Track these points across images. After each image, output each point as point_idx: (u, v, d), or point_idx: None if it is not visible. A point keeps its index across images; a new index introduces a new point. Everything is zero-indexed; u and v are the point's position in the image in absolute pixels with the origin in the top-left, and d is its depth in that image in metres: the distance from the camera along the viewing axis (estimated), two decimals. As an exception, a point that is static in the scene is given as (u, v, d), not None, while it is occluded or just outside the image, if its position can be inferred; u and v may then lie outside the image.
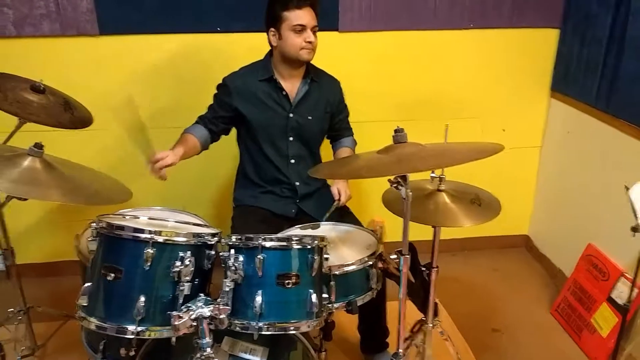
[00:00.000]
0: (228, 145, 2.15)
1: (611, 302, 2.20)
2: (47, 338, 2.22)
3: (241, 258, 1.37)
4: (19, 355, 2.01)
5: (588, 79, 2.39)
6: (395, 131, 1.36)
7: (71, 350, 2.20)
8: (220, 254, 1.41)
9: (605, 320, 2.19)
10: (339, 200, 2.01)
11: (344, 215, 2.05)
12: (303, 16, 1.85)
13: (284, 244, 1.39)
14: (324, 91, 2.06)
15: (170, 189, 2.34)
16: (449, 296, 2.57)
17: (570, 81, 2.56)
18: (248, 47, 2.39)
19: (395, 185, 1.32)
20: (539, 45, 2.67)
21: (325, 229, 1.89)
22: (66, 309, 2.32)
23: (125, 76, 2.51)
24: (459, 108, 2.75)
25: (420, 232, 1.59)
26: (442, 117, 2.75)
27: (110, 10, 2.39)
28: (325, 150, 2.22)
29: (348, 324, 2.18)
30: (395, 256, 1.45)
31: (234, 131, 2.12)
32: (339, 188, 2.01)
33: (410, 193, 1.31)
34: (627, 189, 1.58)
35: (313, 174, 1.53)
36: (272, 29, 1.90)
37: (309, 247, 1.40)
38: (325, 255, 1.50)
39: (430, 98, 2.72)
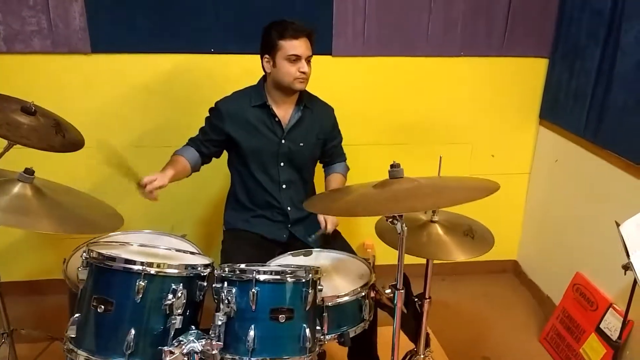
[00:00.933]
0: (218, 164, 2.14)
1: (600, 333, 2.21)
2: (29, 362, 2.17)
3: (234, 291, 1.35)
4: (0, 380, 1.95)
5: (576, 109, 2.43)
6: (392, 166, 1.36)
7: (54, 375, 2.14)
8: (213, 285, 1.39)
9: (594, 351, 2.20)
10: (325, 228, 2.00)
11: (335, 239, 2.04)
12: (298, 46, 1.86)
13: (278, 277, 1.37)
14: (317, 118, 2.07)
15: (160, 208, 2.31)
16: (438, 322, 2.56)
17: (559, 110, 2.60)
18: (241, 68, 2.40)
19: (390, 220, 1.31)
20: (528, 74, 2.71)
21: (318, 256, 1.88)
22: (50, 330, 2.27)
23: (116, 95, 2.49)
24: (449, 133, 2.78)
25: (411, 256, 1.58)
26: (433, 141, 2.78)
27: (103, 28, 2.38)
28: (318, 175, 2.23)
29: (339, 351, 2.16)
30: (389, 290, 1.44)
31: (225, 152, 2.11)
32: (325, 217, 2.00)
33: (406, 229, 1.31)
34: (618, 225, 1.60)
35: (307, 208, 1.52)
36: (267, 56, 1.90)
37: (303, 280, 1.39)
38: (319, 287, 1.49)
39: (422, 123, 2.74)
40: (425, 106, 2.72)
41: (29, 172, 1.35)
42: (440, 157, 1.62)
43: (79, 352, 1.32)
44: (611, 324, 2.18)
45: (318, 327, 1.48)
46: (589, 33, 2.34)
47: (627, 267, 1.40)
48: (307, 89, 2.01)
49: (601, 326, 2.22)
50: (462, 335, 2.57)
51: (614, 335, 2.14)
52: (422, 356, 1.86)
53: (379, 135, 2.73)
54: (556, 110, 2.63)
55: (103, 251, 1.35)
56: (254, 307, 1.34)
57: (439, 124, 2.76)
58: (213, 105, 2.02)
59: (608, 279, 2.25)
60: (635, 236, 1.49)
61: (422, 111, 2.73)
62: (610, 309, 2.20)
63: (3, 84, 2.37)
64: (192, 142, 2.03)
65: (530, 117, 2.80)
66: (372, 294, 1.69)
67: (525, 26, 2.60)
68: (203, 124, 2.06)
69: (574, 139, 2.49)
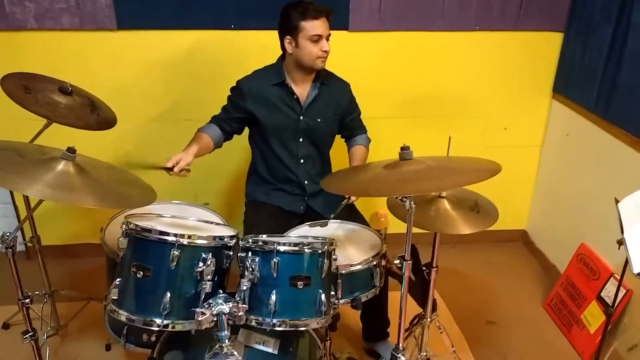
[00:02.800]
0: (240, 139, 2.25)
1: (600, 300, 2.33)
2: (69, 319, 2.38)
3: (257, 260, 1.49)
4: (44, 334, 2.16)
5: (588, 85, 2.47)
6: (402, 149, 1.47)
7: (91, 331, 2.35)
8: (239, 255, 1.54)
9: (594, 317, 2.33)
10: (349, 198, 2.11)
11: (351, 213, 2.16)
12: (320, 26, 1.93)
13: (297, 248, 1.51)
14: (334, 94, 2.16)
15: (183, 179, 2.45)
16: (446, 288, 2.71)
17: (571, 85, 2.65)
18: (261, 44, 2.46)
19: (399, 198, 1.43)
20: (543, 48, 2.75)
21: (333, 227, 2.01)
22: (87, 291, 2.47)
23: (140, 70, 2.60)
24: (463, 107, 2.85)
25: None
26: (447, 115, 2.85)
27: (128, 6, 2.47)
28: (335, 150, 2.33)
29: (352, 313, 2.32)
30: (398, 261, 1.57)
31: (246, 129, 2.22)
32: None
33: (414, 206, 1.43)
34: (617, 201, 1.69)
35: (324, 187, 1.64)
36: (288, 37, 1.97)
37: (319, 251, 1.53)
38: (333, 257, 1.62)
39: (436, 96, 2.81)
40: (440, 80, 2.78)
41: (72, 150, 1.48)
42: (450, 137, 1.71)
43: (121, 312, 1.49)
44: (611, 292, 2.30)
45: (333, 293, 1.62)
46: (602, 10, 2.36)
47: (621, 242, 1.50)
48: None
49: (602, 294, 2.34)
50: (469, 300, 2.72)
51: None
52: (428, 320, 2.01)
53: (394, 109, 2.81)
54: (569, 85, 2.68)
55: (140, 223, 1.49)
56: (275, 275, 1.48)
57: (453, 97, 2.82)
58: (234, 84, 2.12)
59: (611, 250, 2.35)
60: (631, 213, 1.59)
61: (436, 85, 2.79)
62: (612, 278, 2.31)
63: (34, 59, 2.51)
64: (215, 119, 2.14)
65: (543, 91, 2.85)
66: (383, 263, 1.82)
67: (540, 1, 2.62)
68: (222, 98, 2.15)
69: (585, 114, 2.54)
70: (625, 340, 2.20)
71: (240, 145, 2.32)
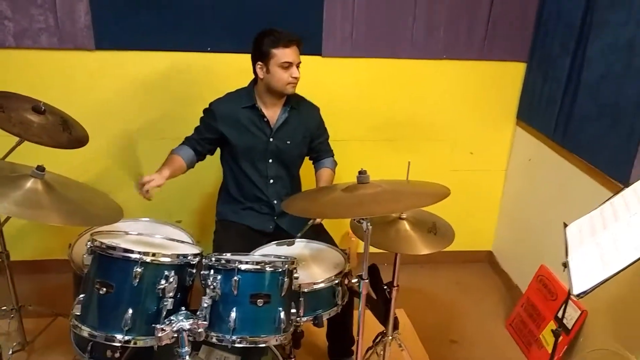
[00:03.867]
0: (214, 158, 2.31)
1: (557, 320, 2.42)
2: (36, 334, 2.38)
3: (219, 278, 1.54)
4: (10, 350, 2.16)
5: (548, 113, 2.60)
6: (360, 173, 1.55)
7: (58, 347, 2.35)
8: (201, 272, 1.59)
9: (551, 337, 2.41)
10: (315, 219, 2.18)
11: (318, 232, 2.23)
12: (290, 54, 2.02)
13: (258, 267, 1.57)
14: (303, 118, 2.24)
15: (158, 196, 2.50)
16: (413, 307, 2.78)
17: (533, 113, 2.78)
18: (236, 67, 2.53)
19: (357, 220, 1.50)
20: (507, 77, 2.88)
21: (300, 246, 2.07)
22: (55, 307, 2.47)
23: (117, 89, 2.66)
24: (431, 130, 2.95)
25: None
26: (416, 138, 2.96)
27: (106, 26, 2.53)
28: (306, 170, 2.40)
29: (318, 331, 2.37)
30: (356, 280, 1.63)
31: (218, 149, 2.28)
32: None
33: (370, 227, 1.50)
34: (565, 225, 1.78)
35: (285, 209, 1.71)
36: (260, 63, 2.06)
37: (280, 270, 1.59)
38: (295, 275, 1.68)
39: (406, 121, 2.92)
40: (409, 105, 2.89)
41: (41, 169, 1.53)
42: (409, 163, 1.79)
43: (83, 327, 1.52)
44: (568, 313, 2.38)
45: (294, 310, 1.67)
46: (561, 43, 2.50)
47: (565, 265, 1.58)
48: (298, 87, 2.16)
49: (559, 315, 2.42)
50: (434, 319, 2.78)
51: (570, 324, 2.35)
52: (390, 337, 2.07)
53: (366, 131, 2.90)
54: (531, 113, 2.81)
55: (105, 240, 1.54)
56: (235, 292, 1.53)
57: (422, 122, 2.93)
58: (207, 106, 2.19)
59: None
60: (576, 238, 1.68)
61: (406, 110, 2.90)
62: (568, 299, 2.39)
63: (12, 77, 2.55)
64: (187, 141, 2.20)
65: (508, 117, 2.97)
66: (347, 282, 1.88)
67: (505, 32, 2.75)
68: (197, 117, 2.22)
69: (546, 140, 2.66)
70: (580, 360, 2.29)
71: (214, 165, 2.37)
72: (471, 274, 3.21)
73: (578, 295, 1.44)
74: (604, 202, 1.71)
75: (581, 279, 1.45)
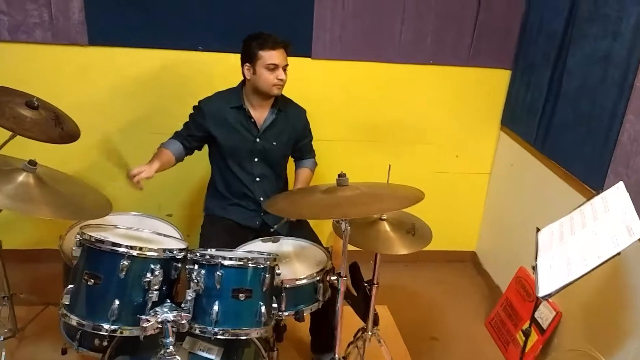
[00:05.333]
0: (204, 152, 2.37)
1: (534, 320, 2.50)
2: (27, 322, 2.43)
3: (203, 272, 1.61)
4: (1, 337, 2.22)
5: (530, 120, 2.67)
6: (339, 175, 1.61)
7: (48, 335, 2.41)
8: (186, 267, 1.65)
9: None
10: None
11: (302, 228, 2.29)
12: (277, 56, 2.08)
13: (241, 263, 1.63)
14: (290, 120, 2.30)
15: (148, 190, 2.55)
16: (396, 304, 2.86)
17: (516, 119, 2.85)
18: (225, 66, 2.60)
19: (336, 220, 1.57)
20: (492, 84, 2.95)
21: (284, 243, 2.13)
22: (46, 296, 2.53)
23: (109, 84, 2.71)
24: (417, 134, 3.02)
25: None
26: (402, 141, 3.03)
27: (99, 23, 2.58)
28: (291, 167, 2.47)
29: (302, 326, 2.44)
30: (335, 277, 1.70)
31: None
32: None
33: (349, 228, 1.57)
34: (538, 230, 1.86)
35: (267, 209, 1.77)
36: (247, 64, 2.12)
37: (262, 266, 1.65)
38: (277, 271, 1.75)
39: (392, 123, 2.98)
40: (396, 108, 2.96)
41: (33, 163, 1.59)
42: (390, 166, 1.86)
43: (72, 316, 1.59)
44: (543, 314, 2.47)
45: (275, 305, 1.74)
46: (543, 53, 2.57)
47: (534, 267, 1.66)
48: (287, 87, 2.22)
49: (535, 315, 2.51)
50: (416, 316, 2.86)
51: (545, 324, 2.44)
52: (370, 333, 2.14)
53: (352, 132, 2.97)
54: (514, 119, 2.88)
55: (94, 234, 1.60)
56: (218, 287, 1.60)
57: (407, 125, 3.00)
58: (197, 104, 2.25)
59: (544, 274, 2.53)
60: (547, 242, 1.76)
61: (392, 112, 2.96)
62: (544, 301, 2.48)
63: (6, 70, 2.59)
64: (176, 136, 2.26)
65: (492, 123, 3.05)
66: (330, 278, 1.95)
67: (490, 40, 2.83)
68: (187, 114, 2.28)
69: (527, 147, 2.74)
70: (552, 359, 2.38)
71: (204, 159, 2.43)
72: (455, 274, 3.29)
73: (543, 297, 1.52)
74: (575, 209, 1.79)
75: (547, 281, 1.53)
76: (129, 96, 2.73)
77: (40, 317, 2.47)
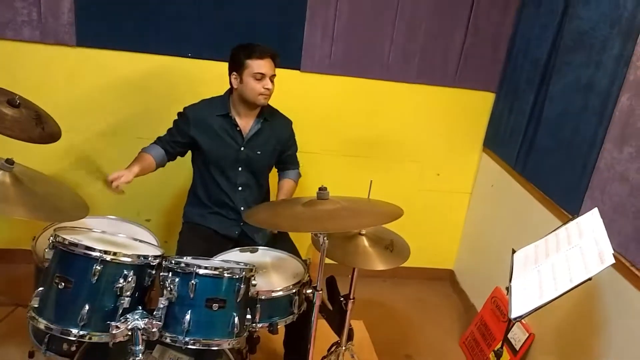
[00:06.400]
0: (185, 158, 2.34)
1: (507, 341, 2.52)
2: (-6, 323, 2.39)
3: (177, 280, 1.59)
4: (-35, 338, 2.16)
5: (511, 143, 2.72)
6: (320, 189, 1.62)
7: (17, 337, 2.35)
8: (160, 274, 1.63)
9: (500, 357, 2.51)
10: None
11: (282, 240, 2.29)
12: (264, 65, 2.09)
13: (216, 272, 1.62)
14: (275, 130, 2.31)
15: (128, 194, 2.52)
16: (373, 319, 2.85)
17: (498, 142, 2.90)
18: (214, 73, 2.59)
19: (314, 233, 1.57)
20: (476, 105, 3.00)
21: (262, 254, 2.12)
22: (17, 297, 2.47)
23: (95, 86, 2.69)
24: (401, 150, 3.05)
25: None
26: (386, 157, 3.05)
27: (89, 24, 2.57)
28: (273, 178, 2.47)
29: (275, 338, 2.43)
30: (310, 291, 1.70)
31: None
32: None
33: (327, 241, 1.57)
34: (514, 251, 1.89)
35: (246, 219, 1.77)
36: (235, 73, 2.13)
37: (237, 276, 1.64)
38: (253, 282, 1.74)
39: (377, 139, 3.01)
40: (381, 124, 2.98)
41: (10, 162, 1.57)
42: (371, 182, 1.87)
43: (40, 320, 1.55)
44: (516, 335, 2.49)
45: (249, 316, 1.73)
46: (527, 78, 2.62)
47: (508, 289, 1.67)
48: (275, 98, 2.23)
49: (508, 336, 2.53)
50: (391, 333, 2.86)
51: (517, 345, 2.45)
52: (343, 348, 2.14)
53: (337, 146, 2.99)
54: (496, 141, 2.93)
55: (67, 237, 1.57)
56: (192, 296, 1.58)
57: (392, 141, 3.02)
58: (182, 110, 2.24)
59: (519, 296, 2.55)
60: (522, 264, 1.78)
61: (378, 128, 2.99)
62: (518, 322, 2.50)
63: (-8, 66, 2.57)
64: (159, 141, 2.25)
65: (475, 143, 3.09)
66: (304, 291, 1.95)
67: (477, 63, 2.88)
68: (170, 127, 2.28)
69: (508, 169, 2.78)
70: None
71: (186, 165, 2.41)
72: (432, 291, 3.31)
73: (515, 319, 1.53)
74: (550, 233, 1.82)
75: (519, 303, 1.55)
76: (115, 99, 2.72)
77: (9, 318, 2.42)
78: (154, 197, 2.92)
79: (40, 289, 1.57)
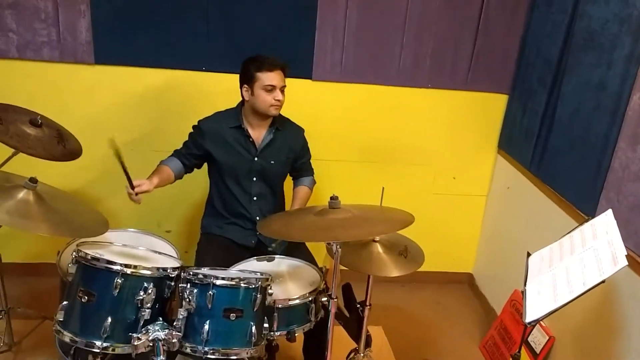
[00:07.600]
0: (202, 169, 2.40)
1: (527, 344, 2.50)
2: (23, 336, 2.46)
3: (195, 292, 1.64)
4: (-3, 349, 2.25)
5: (526, 145, 2.70)
6: (331, 198, 1.65)
7: (44, 349, 2.43)
8: (179, 285, 1.68)
9: None
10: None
11: (298, 248, 2.31)
12: (274, 77, 2.13)
13: (233, 283, 1.66)
14: (288, 139, 2.34)
15: (149, 206, 2.59)
16: (392, 324, 2.86)
17: (512, 143, 2.88)
18: (228, 86, 2.64)
19: (327, 242, 1.60)
20: (489, 108, 2.99)
21: (279, 263, 2.16)
22: (43, 310, 2.55)
23: (114, 103, 2.77)
24: (415, 155, 3.06)
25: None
26: (400, 162, 3.06)
27: (106, 43, 2.65)
28: (288, 187, 2.50)
29: (295, 346, 2.45)
30: (325, 299, 1.72)
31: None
32: None
33: (340, 250, 1.59)
34: (529, 254, 1.88)
35: (260, 230, 1.80)
36: (246, 86, 2.17)
37: (253, 286, 1.68)
38: (269, 291, 1.77)
39: (391, 144, 3.02)
40: (394, 130, 3.00)
41: (33, 180, 1.63)
42: (383, 189, 1.89)
43: (65, 333, 1.61)
44: (537, 338, 2.47)
45: (266, 325, 1.76)
46: (539, 79, 2.61)
47: (523, 292, 1.67)
48: (287, 108, 2.26)
49: (528, 339, 2.51)
50: (411, 337, 2.86)
51: (538, 349, 2.44)
52: (362, 354, 2.15)
53: (351, 153, 3.01)
54: (511, 143, 2.91)
55: (89, 251, 1.63)
56: (210, 306, 1.63)
57: (405, 146, 3.03)
58: (196, 123, 2.30)
59: (538, 298, 2.53)
60: (536, 267, 1.78)
61: (391, 134, 3.00)
62: (537, 324, 2.48)
63: (14, 87, 2.66)
64: (176, 154, 2.31)
65: (489, 146, 3.08)
66: (320, 299, 1.97)
67: (488, 65, 2.87)
68: (186, 140, 2.33)
69: (523, 170, 2.77)
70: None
71: (204, 176, 2.47)
72: (451, 295, 3.29)
73: (529, 323, 1.53)
74: (565, 235, 1.81)
75: (534, 307, 1.55)
76: (132, 114, 2.79)
77: (37, 331, 2.50)
78: (174, 208, 2.98)
79: (65, 302, 1.63)
